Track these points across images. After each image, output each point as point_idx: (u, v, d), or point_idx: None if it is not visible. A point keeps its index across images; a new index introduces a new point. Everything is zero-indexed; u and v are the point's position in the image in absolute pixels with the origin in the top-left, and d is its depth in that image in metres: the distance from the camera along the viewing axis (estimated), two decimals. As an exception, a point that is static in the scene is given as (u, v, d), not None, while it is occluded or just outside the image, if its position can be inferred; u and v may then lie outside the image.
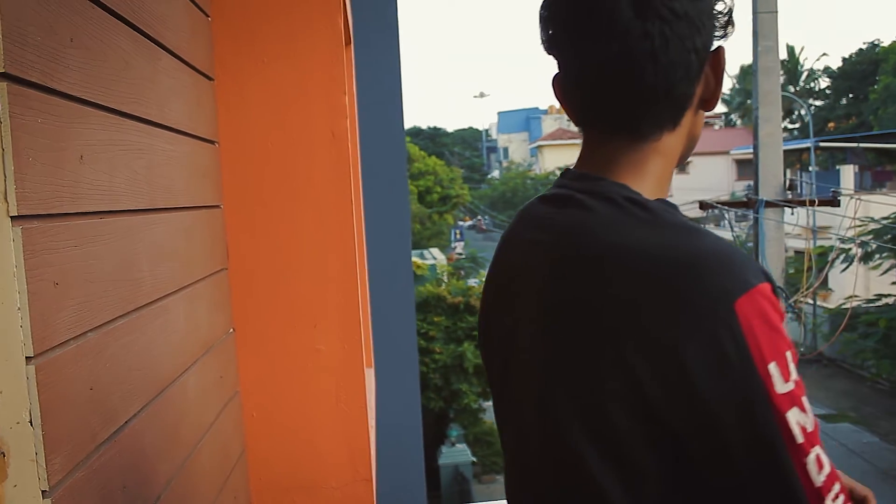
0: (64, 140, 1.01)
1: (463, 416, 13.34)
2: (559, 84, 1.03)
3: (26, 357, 0.87)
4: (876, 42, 37.50)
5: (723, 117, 52.81)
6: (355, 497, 2.04)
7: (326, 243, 1.98)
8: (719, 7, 0.99)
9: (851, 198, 8.45)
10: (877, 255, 14.34)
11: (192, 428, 1.56)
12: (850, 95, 38.86)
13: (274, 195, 1.97)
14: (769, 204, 8.14)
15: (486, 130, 64.03)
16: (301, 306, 1.99)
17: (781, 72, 42.40)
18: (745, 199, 8.81)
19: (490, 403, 10.20)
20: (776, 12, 8.31)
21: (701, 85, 0.99)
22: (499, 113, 62.54)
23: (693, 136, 1.05)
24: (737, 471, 0.83)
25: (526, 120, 58.99)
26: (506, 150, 59.01)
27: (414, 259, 14.78)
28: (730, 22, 1.01)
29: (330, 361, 2.00)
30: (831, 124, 39.39)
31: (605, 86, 0.96)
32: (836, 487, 0.84)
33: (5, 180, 0.86)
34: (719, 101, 1.04)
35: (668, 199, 1.01)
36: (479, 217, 44.10)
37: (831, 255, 9.59)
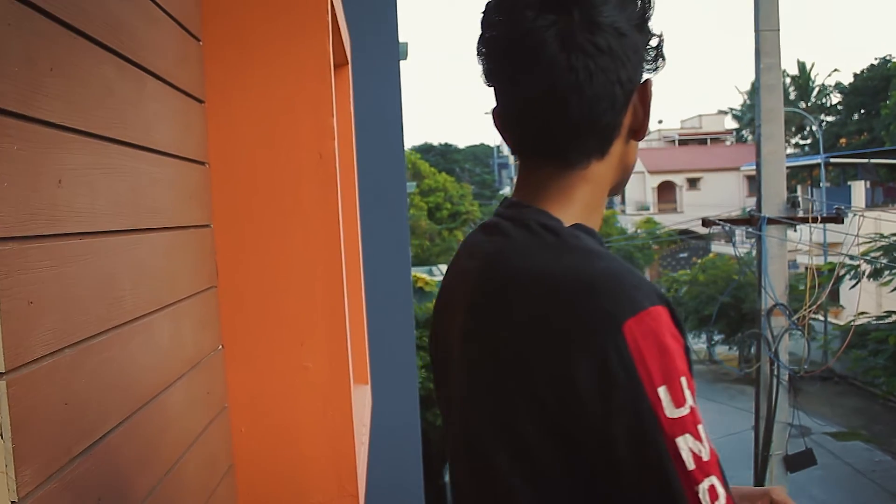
0: (42, 165, 1.06)
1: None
2: (497, 115, 1.08)
3: (-2, 373, 0.91)
4: (887, 58, 37.43)
5: (734, 133, 52.81)
6: (343, 511, 2.07)
7: (314, 262, 2.02)
8: (653, 42, 1.04)
9: (855, 214, 8.44)
10: (886, 272, 14.27)
11: (175, 442, 1.60)
12: (862, 111, 38.78)
13: (263, 215, 2.01)
14: (772, 221, 8.15)
15: (498, 147, 64.13)
16: (289, 324, 2.03)
17: (793, 88, 42.46)
18: (748, 216, 8.81)
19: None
20: (778, 30, 8.34)
21: (629, 116, 1.04)
22: (510, 129, 62.50)
23: (626, 165, 1.10)
24: (632, 491, 0.85)
25: (537, 136, 58.96)
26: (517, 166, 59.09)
27: (423, 275, 14.84)
28: (660, 56, 1.06)
29: (317, 378, 2.04)
30: (843, 140, 39.31)
31: (534, 117, 1.01)
32: None
33: (-20, 205, 0.91)
34: (647, 130, 1.08)
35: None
36: (490, 233, 44.06)
37: (836, 273, 9.55)
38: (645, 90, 1.04)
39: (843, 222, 8.61)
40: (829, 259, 16.85)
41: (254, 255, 2.02)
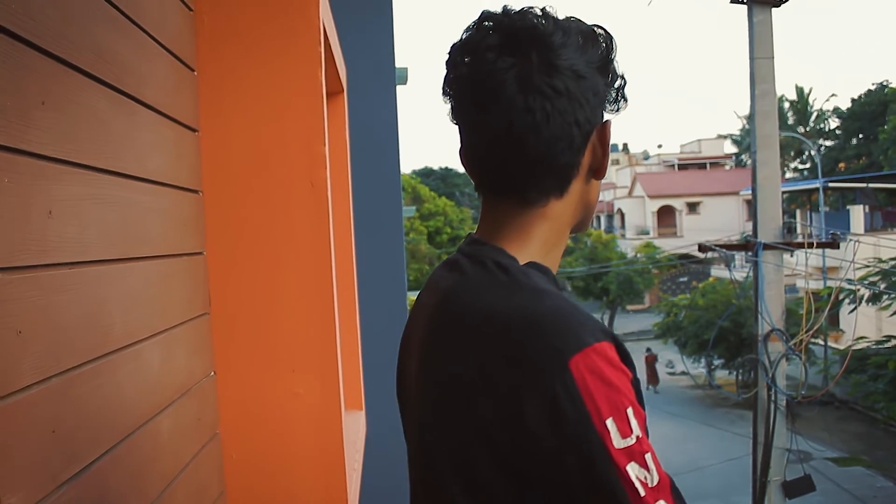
0: (32, 197, 1.08)
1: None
2: (461, 154, 1.12)
3: (-16, 402, 0.93)
4: (884, 83, 37.65)
5: (733, 158, 53.00)
6: (334, 538, 2.08)
7: (305, 289, 2.04)
8: (615, 83, 1.08)
9: (850, 240, 8.47)
10: (885, 297, 14.27)
11: (165, 468, 1.61)
12: (860, 136, 38.97)
13: (255, 242, 2.04)
14: (768, 246, 8.17)
15: (497, 171, 64.17)
16: (280, 351, 2.04)
17: (791, 112, 42.64)
18: (744, 242, 8.84)
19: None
20: (772, 58, 8.42)
21: (588, 155, 1.07)
22: (509, 154, 62.69)
23: (587, 203, 1.13)
24: None
25: (536, 161, 59.14)
26: (516, 190, 59.11)
27: (421, 300, 14.82)
28: (622, 97, 1.09)
29: (308, 404, 2.05)
30: (842, 164, 39.47)
31: (493, 155, 1.05)
32: None
33: (-31, 236, 0.93)
34: (606, 170, 1.10)
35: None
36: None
37: (832, 297, 9.56)
38: (604, 131, 1.07)
39: (839, 247, 8.64)
40: (829, 283, 16.85)
41: (246, 281, 2.04)
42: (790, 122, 43.05)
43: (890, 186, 26.32)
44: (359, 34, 4.27)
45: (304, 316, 2.05)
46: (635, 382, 0.94)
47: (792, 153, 43.32)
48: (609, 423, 0.87)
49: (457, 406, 0.97)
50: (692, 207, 47.08)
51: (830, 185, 27.93)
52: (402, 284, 4.63)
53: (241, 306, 2.04)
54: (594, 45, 1.05)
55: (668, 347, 25.35)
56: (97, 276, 1.31)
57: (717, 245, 9.03)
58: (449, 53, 1.07)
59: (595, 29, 1.07)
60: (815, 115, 43.98)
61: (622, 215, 51.35)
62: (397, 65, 4.81)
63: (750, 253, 8.59)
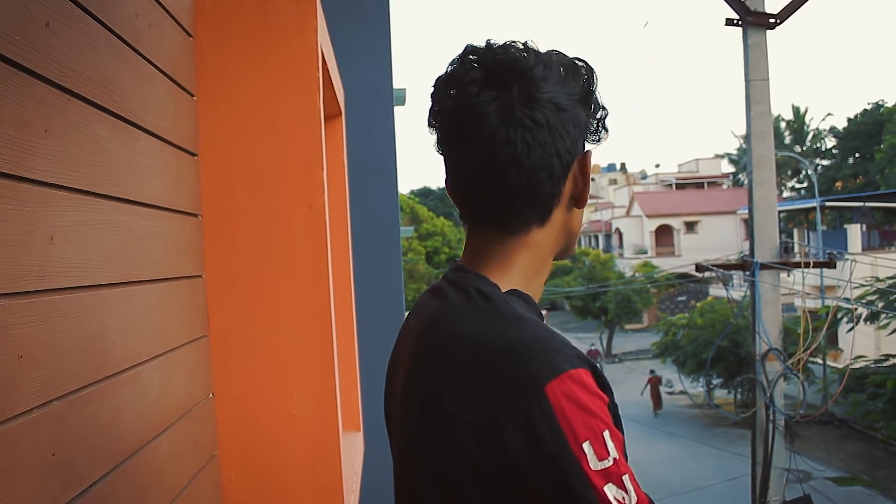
0: (34, 223, 1.10)
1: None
2: (447, 184, 1.15)
3: (-14, 426, 0.95)
4: (880, 103, 37.85)
5: (731, 177, 53.16)
6: (332, 560, 2.08)
7: (303, 311, 2.06)
8: (597, 115, 1.11)
9: (846, 260, 8.49)
10: (883, 316, 14.28)
11: (164, 490, 1.62)
12: (857, 155, 39.13)
13: (254, 265, 2.05)
14: (765, 266, 8.20)
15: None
16: (278, 373, 2.06)
17: (788, 132, 42.80)
18: (741, 262, 8.86)
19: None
20: (768, 80, 8.48)
21: (569, 185, 1.10)
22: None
23: (570, 231, 1.16)
24: None
25: (535, 181, 59.27)
26: (515, 210, 59.18)
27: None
28: (602, 128, 1.12)
29: (306, 427, 2.06)
30: (838, 183, 39.60)
31: (476, 185, 1.08)
32: None
33: (-27, 263, 0.95)
34: (588, 199, 1.14)
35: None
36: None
37: (829, 316, 9.58)
38: (585, 160, 1.10)
39: (835, 267, 8.67)
40: (826, 303, 16.87)
41: (245, 304, 2.06)
42: (787, 141, 43.23)
43: (887, 205, 26.41)
44: (357, 57, 4.31)
45: (303, 338, 2.06)
46: (612, 407, 0.97)
47: (789, 172, 43.47)
48: (586, 446, 0.89)
49: (437, 428, 1.00)
50: (690, 226, 47.16)
51: (827, 204, 28.03)
52: (400, 305, 4.65)
53: (240, 329, 2.06)
54: (575, 77, 1.08)
55: (667, 367, 25.31)
56: (97, 300, 1.33)
57: (714, 265, 9.05)
58: (434, 86, 1.11)
59: (576, 62, 1.10)
60: (811, 134, 44.18)
61: (620, 235, 51.43)
62: (395, 86, 4.85)
63: (747, 272, 8.61)
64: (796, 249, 19.24)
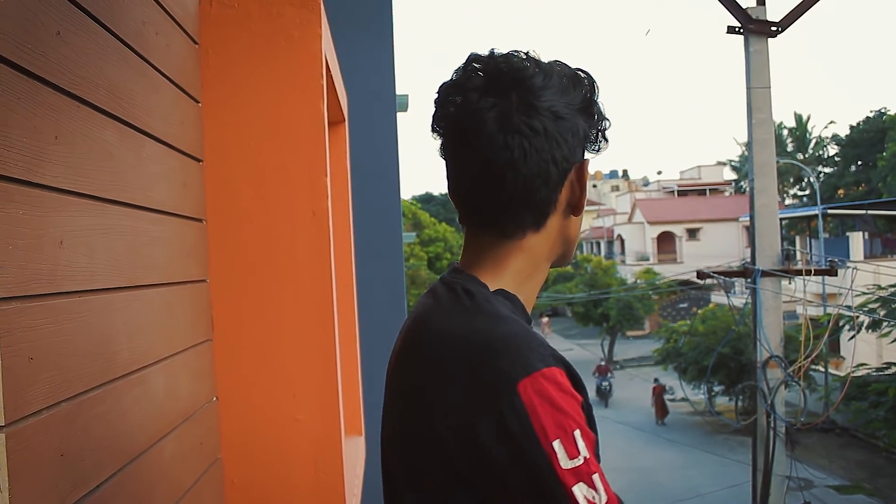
0: (44, 228, 1.12)
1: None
2: (448, 188, 1.18)
3: (-2, 426, 0.97)
4: (882, 110, 37.84)
5: (733, 184, 53.16)
6: (333, 563, 2.10)
7: (306, 316, 2.08)
8: (599, 125, 1.14)
9: (848, 267, 8.51)
10: (885, 324, 14.27)
11: (168, 492, 1.64)
12: (859, 163, 39.12)
13: (257, 270, 2.08)
14: (766, 273, 8.21)
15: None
16: (281, 377, 2.08)
17: (790, 139, 42.80)
18: (742, 269, 8.87)
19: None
20: (769, 87, 8.51)
21: (565, 192, 1.12)
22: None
23: (567, 238, 1.18)
24: None
25: (537, 187, 59.29)
26: (517, 216, 59.20)
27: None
28: (602, 138, 1.15)
29: (308, 430, 2.08)
30: (841, 191, 39.60)
31: (473, 190, 1.11)
32: None
33: (-14, 267, 0.97)
34: (584, 206, 1.16)
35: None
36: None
37: (831, 324, 9.58)
38: (582, 169, 1.12)
39: (837, 274, 8.68)
40: (828, 310, 16.85)
41: (248, 308, 2.08)
42: (789, 148, 43.27)
43: (889, 213, 26.38)
44: (360, 63, 4.34)
45: (305, 342, 2.08)
46: (586, 406, 0.98)
47: (791, 180, 43.49)
48: (556, 444, 0.91)
49: (418, 423, 1.03)
50: (692, 233, 47.14)
51: (829, 211, 28.00)
52: (402, 310, 4.67)
53: (243, 333, 2.08)
54: (576, 87, 1.11)
55: (668, 374, 25.28)
56: (104, 304, 1.35)
57: (715, 272, 9.07)
58: (438, 93, 1.14)
59: (578, 73, 1.13)
60: (813, 141, 44.23)
61: (622, 241, 51.43)
62: (398, 91, 4.87)
63: (749, 280, 8.62)
64: (798, 257, 19.23)
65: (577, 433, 0.93)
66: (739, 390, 19.37)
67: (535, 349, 0.97)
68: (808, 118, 45.31)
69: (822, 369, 19.67)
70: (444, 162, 1.17)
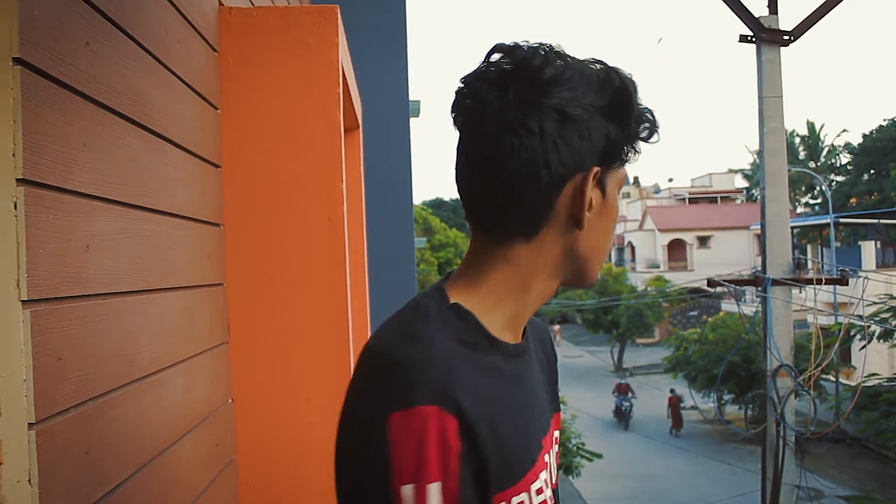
0: (72, 232, 1.16)
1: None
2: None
3: (28, 423, 1.00)
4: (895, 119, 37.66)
5: (744, 192, 53.04)
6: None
7: (321, 320, 2.11)
8: (632, 133, 1.04)
9: (859, 277, 8.49)
10: (896, 334, 14.23)
11: (184, 492, 1.67)
12: (872, 171, 38.94)
13: (273, 275, 2.11)
14: (777, 282, 8.21)
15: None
16: (296, 380, 2.11)
17: (802, 148, 42.64)
18: (753, 277, 8.86)
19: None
20: (781, 96, 8.51)
21: (565, 202, 1.00)
22: (521, 186, 62.88)
23: (576, 255, 1.05)
24: None
25: (547, 193, 59.33)
26: (527, 222, 59.23)
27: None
28: (631, 149, 1.05)
29: (323, 434, 2.10)
30: (853, 200, 39.42)
31: (467, 188, 1.04)
32: None
33: (18, 270, 1.01)
34: (585, 221, 1.03)
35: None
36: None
37: (841, 333, 9.56)
38: (587, 178, 1.00)
39: (848, 284, 8.66)
40: (839, 320, 16.80)
41: (264, 312, 2.11)
42: (801, 157, 43.14)
43: (901, 223, 26.28)
44: (375, 71, 4.38)
45: (320, 346, 2.11)
46: (464, 458, 0.88)
47: (803, 188, 43.36)
48: (407, 489, 0.85)
49: (337, 436, 0.97)
50: (703, 241, 47.07)
51: (841, 220, 27.89)
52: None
53: (259, 336, 2.11)
54: (603, 88, 1.00)
55: (678, 382, 25.21)
56: (127, 306, 1.38)
57: (726, 280, 9.06)
58: (459, 82, 1.05)
59: (612, 72, 1.01)
60: (826, 150, 44.09)
61: (632, 248, 51.38)
62: (410, 97, 4.92)
63: (759, 288, 8.62)
64: (809, 266, 19.18)
65: (435, 487, 0.85)
66: (749, 399, 19.29)
67: (425, 383, 0.88)
68: (821, 127, 45.22)
69: (833, 379, 19.61)
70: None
